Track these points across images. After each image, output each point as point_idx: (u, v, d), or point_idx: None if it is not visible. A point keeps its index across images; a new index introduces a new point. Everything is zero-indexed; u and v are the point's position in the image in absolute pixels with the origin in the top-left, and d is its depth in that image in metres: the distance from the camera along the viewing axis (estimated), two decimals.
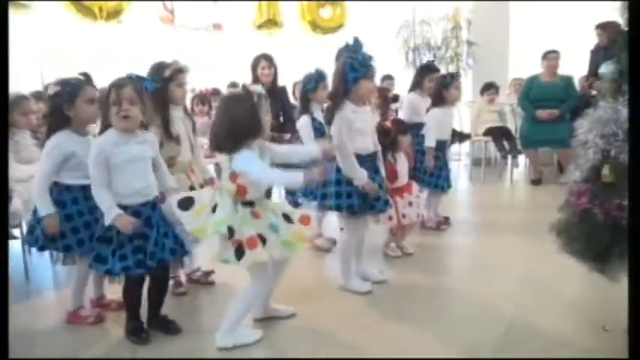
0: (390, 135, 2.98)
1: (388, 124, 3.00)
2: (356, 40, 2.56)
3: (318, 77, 3.20)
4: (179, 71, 2.56)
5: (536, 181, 5.56)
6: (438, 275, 2.96)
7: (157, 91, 2.39)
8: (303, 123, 3.22)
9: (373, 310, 2.51)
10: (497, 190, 5.56)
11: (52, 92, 2.27)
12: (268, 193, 2.31)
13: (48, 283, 3.14)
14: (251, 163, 2.04)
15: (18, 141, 3.14)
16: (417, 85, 4.12)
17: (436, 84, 3.87)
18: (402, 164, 3.13)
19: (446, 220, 3.97)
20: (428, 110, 3.87)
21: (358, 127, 2.58)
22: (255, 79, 3.82)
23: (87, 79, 2.34)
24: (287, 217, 2.20)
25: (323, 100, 3.20)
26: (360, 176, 2.56)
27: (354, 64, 2.50)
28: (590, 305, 2.45)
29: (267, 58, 3.81)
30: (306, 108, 3.25)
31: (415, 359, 2.01)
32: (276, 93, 3.72)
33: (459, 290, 2.72)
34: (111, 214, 2.07)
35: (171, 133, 2.54)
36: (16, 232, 3.07)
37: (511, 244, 3.53)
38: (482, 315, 2.40)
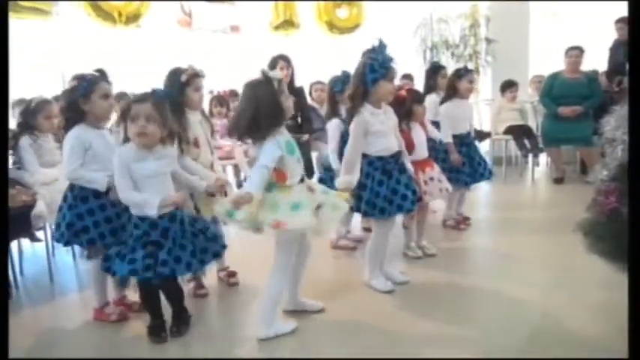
0: (405, 104, 2.93)
1: (403, 92, 2.95)
2: (380, 42, 2.55)
3: (345, 79, 3.21)
4: (195, 76, 2.60)
5: (558, 180, 5.46)
6: (461, 275, 2.92)
7: (174, 96, 2.47)
8: (332, 125, 3.26)
9: (397, 310, 2.50)
10: (518, 190, 5.47)
11: (68, 87, 2.36)
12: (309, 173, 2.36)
13: (72, 284, 3.18)
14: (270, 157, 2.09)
15: (41, 145, 3.19)
16: (432, 87, 4.09)
17: (450, 77, 3.85)
18: (418, 134, 3.08)
19: (465, 220, 3.91)
20: (441, 103, 3.82)
21: (377, 129, 2.58)
22: None
23: (102, 75, 2.41)
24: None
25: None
26: (344, 180, 2.53)
27: (374, 66, 2.50)
28: (617, 307, 2.38)
29: (285, 59, 3.85)
30: (334, 111, 3.29)
31: (440, 359, 2.00)
32: (293, 93, 3.73)
33: (482, 290, 2.68)
34: (154, 203, 2.12)
35: (188, 137, 2.57)
36: (40, 234, 3.11)
37: (534, 244, 3.47)
38: (508, 316, 2.37)
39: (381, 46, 2.55)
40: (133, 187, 2.16)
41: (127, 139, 2.20)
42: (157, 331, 2.27)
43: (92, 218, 2.33)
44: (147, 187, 2.17)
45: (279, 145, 2.11)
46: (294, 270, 2.35)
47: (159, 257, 2.14)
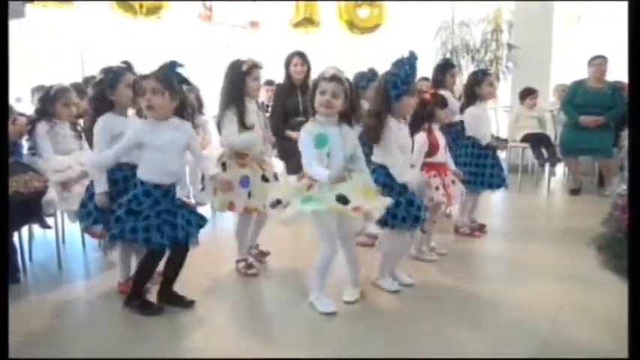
0: (428, 107, 2.96)
1: (427, 96, 2.98)
2: (411, 54, 2.56)
3: (372, 76, 3.27)
4: (254, 66, 2.81)
5: (575, 191, 5.36)
6: (472, 284, 2.87)
7: (234, 83, 2.77)
8: None
9: (407, 312, 2.49)
10: (533, 199, 5.38)
11: (97, 79, 2.55)
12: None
13: (80, 271, 3.20)
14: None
15: (58, 132, 3.22)
16: (439, 83, 4.04)
17: (468, 82, 3.79)
18: (440, 138, 3.11)
19: (481, 228, 3.84)
20: (462, 110, 3.79)
21: (402, 143, 2.63)
22: (288, 76, 3.92)
23: (128, 66, 2.55)
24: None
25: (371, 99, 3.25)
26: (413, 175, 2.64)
27: (396, 82, 2.53)
28: None
29: (301, 55, 3.95)
30: None
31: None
32: (308, 89, 3.78)
33: (493, 301, 2.63)
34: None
35: (245, 122, 2.77)
36: (50, 221, 3.13)
37: (547, 254, 3.40)
38: (518, 327, 2.32)
39: (407, 60, 2.56)
40: (118, 159, 2.34)
41: (140, 115, 2.37)
42: (149, 305, 2.42)
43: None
44: (162, 155, 2.29)
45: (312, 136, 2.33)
46: (347, 264, 2.59)
47: (176, 224, 2.33)
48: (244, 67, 2.77)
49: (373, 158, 2.68)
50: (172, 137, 2.31)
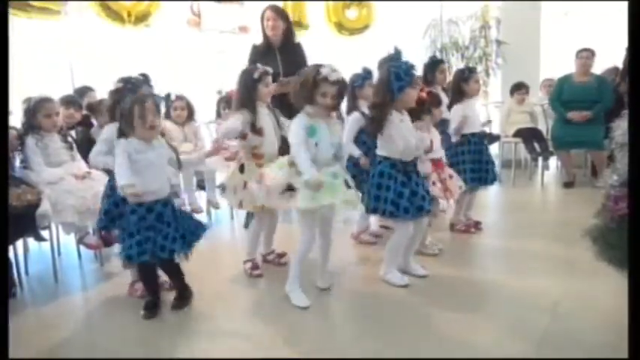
0: (424, 105, 2.99)
1: (423, 94, 3.00)
2: (396, 49, 2.65)
3: (366, 75, 3.29)
4: (265, 73, 2.93)
5: (568, 184, 5.39)
6: (469, 279, 2.88)
7: (247, 90, 2.88)
8: (354, 119, 3.36)
9: (405, 310, 2.48)
10: (527, 193, 5.40)
11: (114, 88, 2.64)
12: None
13: (77, 283, 3.19)
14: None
15: (47, 144, 3.17)
16: (430, 82, 4.05)
17: (454, 79, 3.79)
18: (435, 135, 3.14)
19: (477, 225, 3.85)
20: (449, 107, 3.79)
21: (404, 134, 2.64)
22: (264, 35, 3.94)
23: (145, 79, 2.68)
24: (347, 183, 2.51)
25: (368, 97, 3.26)
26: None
27: (400, 74, 2.55)
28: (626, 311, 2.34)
29: (274, 10, 3.88)
30: (355, 105, 3.40)
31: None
32: (289, 49, 3.87)
33: (490, 295, 2.65)
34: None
35: (256, 126, 2.87)
36: (45, 234, 3.10)
37: (543, 247, 3.41)
38: (516, 322, 2.33)
39: (397, 54, 2.64)
40: (132, 173, 2.32)
41: (122, 134, 2.39)
42: (150, 306, 2.52)
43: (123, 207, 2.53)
44: (145, 174, 2.36)
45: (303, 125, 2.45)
46: (320, 252, 2.70)
47: (157, 241, 2.37)
48: (256, 75, 2.88)
49: (377, 151, 2.73)
50: (155, 157, 2.41)
